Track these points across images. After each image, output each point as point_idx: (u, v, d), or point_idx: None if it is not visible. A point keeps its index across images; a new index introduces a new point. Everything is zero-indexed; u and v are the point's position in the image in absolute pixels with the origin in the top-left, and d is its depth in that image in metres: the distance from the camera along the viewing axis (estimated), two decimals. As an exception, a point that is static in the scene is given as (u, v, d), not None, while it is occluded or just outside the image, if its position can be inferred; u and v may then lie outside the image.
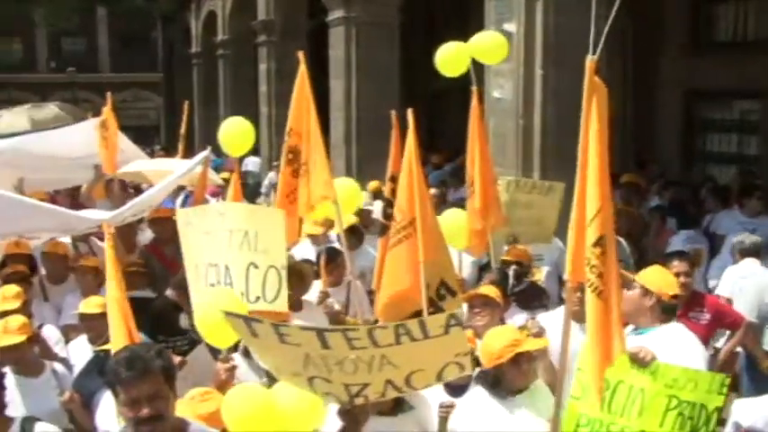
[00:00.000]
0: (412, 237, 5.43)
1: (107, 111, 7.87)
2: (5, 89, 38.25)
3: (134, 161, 9.56)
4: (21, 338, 5.10)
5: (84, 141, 8.14)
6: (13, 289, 5.83)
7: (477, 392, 4.38)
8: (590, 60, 3.43)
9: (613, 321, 3.54)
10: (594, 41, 3.42)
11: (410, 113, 5.52)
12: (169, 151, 18.76)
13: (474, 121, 6.59)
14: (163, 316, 5.51)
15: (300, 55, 5.64)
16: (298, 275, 5.74)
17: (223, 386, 4.22)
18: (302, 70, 5.57)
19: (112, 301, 4.36)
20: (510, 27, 8.87)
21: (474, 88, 6.64)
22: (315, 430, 3.66)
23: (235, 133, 6.05)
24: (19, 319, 5.21)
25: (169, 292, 5.99)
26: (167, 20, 33.62)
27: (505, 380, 4.31)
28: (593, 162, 3.48)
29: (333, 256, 6.82)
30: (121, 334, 4.24)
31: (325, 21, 14.45)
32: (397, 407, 4.14)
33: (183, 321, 5.95)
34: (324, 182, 5.42)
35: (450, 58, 6.64)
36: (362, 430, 3.67)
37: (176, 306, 5.89)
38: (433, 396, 4.32)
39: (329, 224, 7.67)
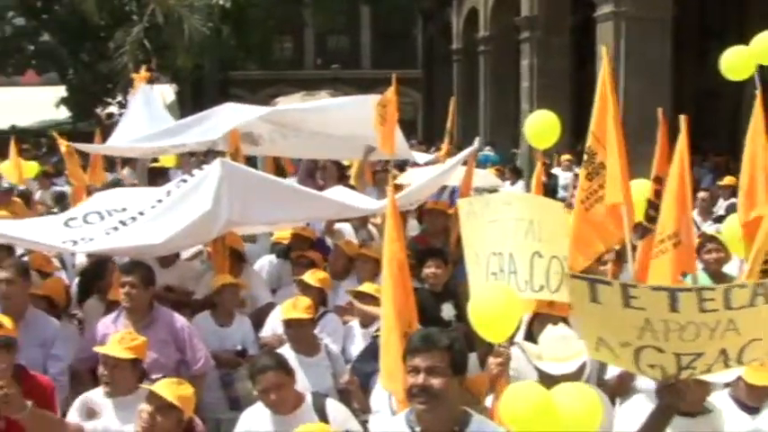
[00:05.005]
0: (677, 247, 5.26)
1: (391, 90, 8.09)
2: (276, 85, 40.66)
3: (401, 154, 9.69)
4: (306, 315, 5.46)
5: (356, 118, 8.31)
6: (306, 301, 5.64)
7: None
8: None
9: None
10: None
11: (683, 119, 5.23)
12: (427, 145, 19.12)
13: (755, 123, 6.24)
14: (424, 307, 5.53)
15: (603, 51, 5.56)
16: None
17: (494, 380, 4.18)
18: (605, 68, 5.42)
19: (387, 287, 4.46)
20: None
21: (758, 92, 6.25)
22: None
23: (542, 126, 6.07)
24: (306, 301, 5.56)
25: None
26: (428, 17, 34.36)
27: None
28: None
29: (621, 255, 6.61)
30: (394, 319, 4.32)
31: (591, 16, 14.14)
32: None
33: (447, 312, 5.99)
34: (615, 186, 5.29)
35: (736, 64, 6.33)
36: None
37: (438, 296, 5.97)
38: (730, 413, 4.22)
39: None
